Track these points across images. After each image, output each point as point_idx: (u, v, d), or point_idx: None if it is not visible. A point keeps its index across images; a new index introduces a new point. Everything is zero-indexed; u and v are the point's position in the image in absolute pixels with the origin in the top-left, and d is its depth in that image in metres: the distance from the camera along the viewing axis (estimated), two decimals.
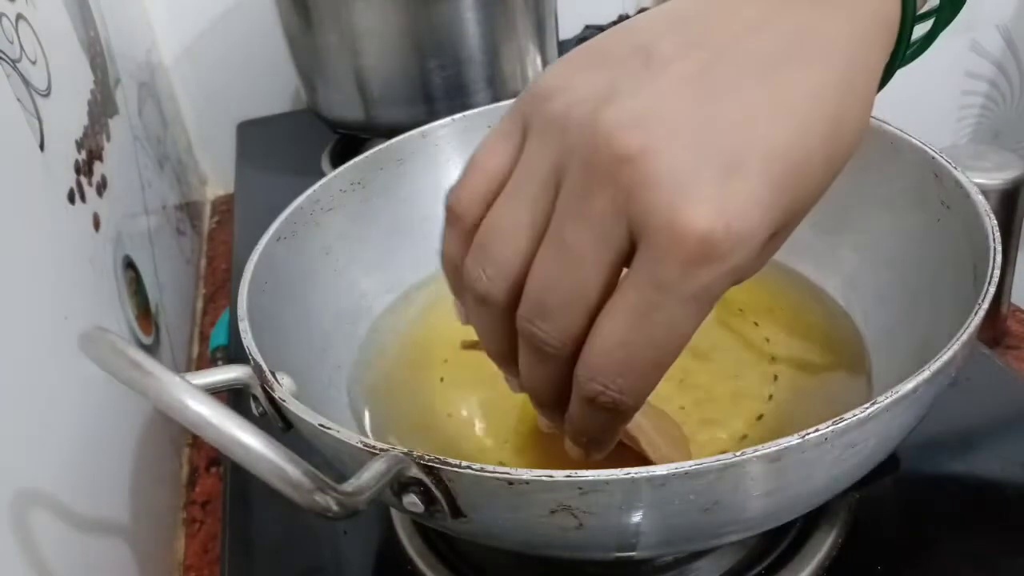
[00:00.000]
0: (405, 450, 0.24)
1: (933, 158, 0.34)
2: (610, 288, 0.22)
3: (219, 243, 0.80)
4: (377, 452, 0.24)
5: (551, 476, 0.22)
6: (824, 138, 0.22)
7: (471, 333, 0.25)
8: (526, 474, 0.22)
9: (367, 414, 0.38)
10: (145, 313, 0.51)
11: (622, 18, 0.91)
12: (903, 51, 0.25)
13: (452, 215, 0.25)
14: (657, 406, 0.34)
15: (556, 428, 0.27)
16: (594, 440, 0.26)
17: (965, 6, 0.27)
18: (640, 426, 0.31)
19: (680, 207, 0.20)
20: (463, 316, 0.27)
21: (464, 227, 0.24)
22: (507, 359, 0.25)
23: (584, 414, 0.24)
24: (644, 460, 0.31)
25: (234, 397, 0.33)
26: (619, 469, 0.22)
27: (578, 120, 0.21)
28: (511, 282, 0.23)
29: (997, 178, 0.54)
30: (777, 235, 0.23)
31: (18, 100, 0.37)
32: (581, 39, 0.90)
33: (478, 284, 0.24)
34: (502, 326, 0.24)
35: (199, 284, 0.74)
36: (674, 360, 0.22)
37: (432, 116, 0.46)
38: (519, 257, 0.23)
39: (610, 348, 0.22)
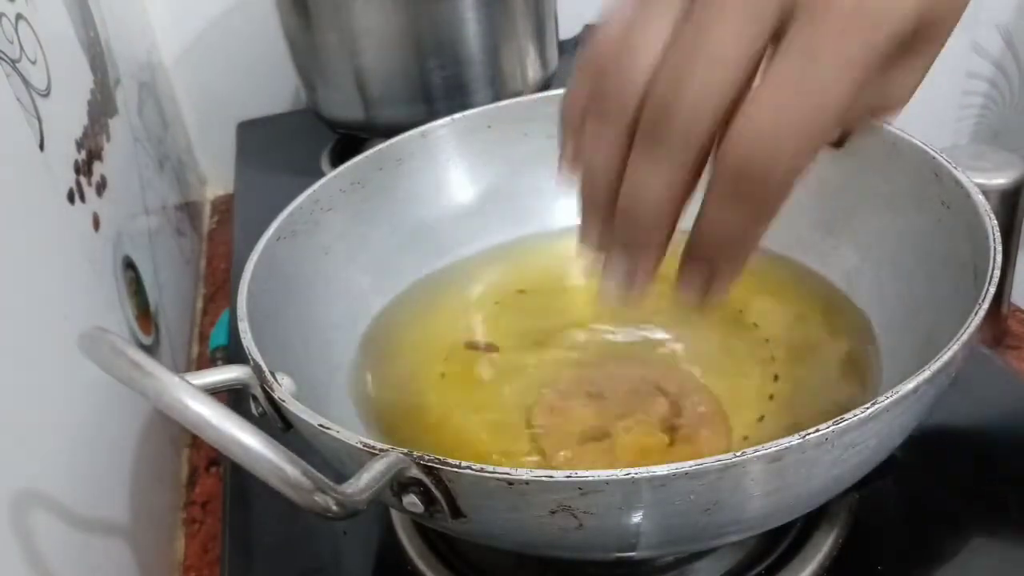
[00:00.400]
0: (405, 450, 0.24)
1: (933, 158, 0.34)
2: (750, 78, 0.21)
3: (219, 243, 0.80)
4: (377, 452, 0.24)
5: (551, 476, 0.22)
6: None
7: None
8: (526, 474, 0.22)
9: (367, 413, 0.38)
10: (145, 313, 0.51)
11: None
12: None
13: (583, 63, 0.23)
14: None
15: (645, 284, 0.24)
16: (720, 260, 0.23)
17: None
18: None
19: None
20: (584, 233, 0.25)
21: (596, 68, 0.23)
22: (611, 211, 0.24)
23: (721, 206, 0.22)
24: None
25: (234, 397, 0.33)
26: (619, 469, 0.22)
27: None
28: (646, 79, 0.22)
29: (997, 178, 0.54)
30: (920, 43, 0.22)
31: (18, 100, 0.37)
32: (581, 39, 0.90)
33: (608, 94, 0.22)
34: (621, 149, 0.23)
35: (199, 284, 0.74)
36: (824, 138, 0.21)
37: (432, 116, 0.46)
38: (656, 59, 0.22)
39: (759, 114, 0.21)
